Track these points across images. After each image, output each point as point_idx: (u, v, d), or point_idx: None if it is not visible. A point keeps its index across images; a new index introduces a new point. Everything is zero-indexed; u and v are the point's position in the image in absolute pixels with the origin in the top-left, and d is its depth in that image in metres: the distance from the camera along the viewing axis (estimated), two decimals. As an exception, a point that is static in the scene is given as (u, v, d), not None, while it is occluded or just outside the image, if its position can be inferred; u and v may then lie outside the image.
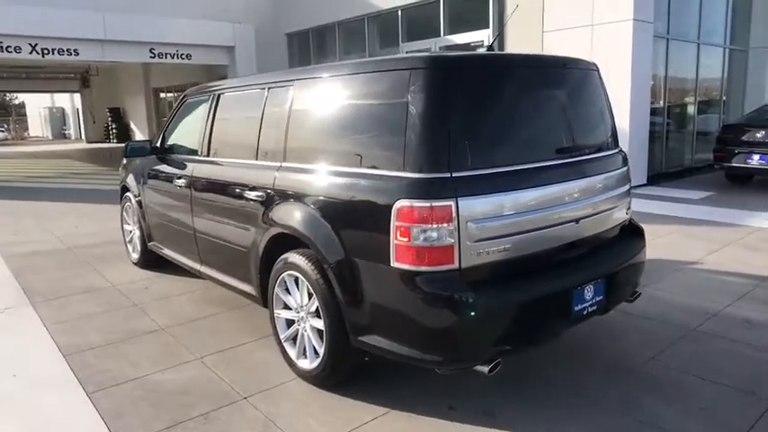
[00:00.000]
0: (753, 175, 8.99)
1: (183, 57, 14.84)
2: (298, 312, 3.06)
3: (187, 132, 4.29)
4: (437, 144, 2.36)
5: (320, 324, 2.86)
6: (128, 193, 5.23)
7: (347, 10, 13.91)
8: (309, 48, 15.90)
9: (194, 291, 4.62)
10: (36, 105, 40.87)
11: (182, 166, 4.15)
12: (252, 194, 3.26)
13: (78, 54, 13.31)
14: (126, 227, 5.47)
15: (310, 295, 2.93)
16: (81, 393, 3.02)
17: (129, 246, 5.48)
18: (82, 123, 31.44)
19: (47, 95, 36.90)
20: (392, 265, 2.41)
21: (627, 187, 3.16)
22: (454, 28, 11.80)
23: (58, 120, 38.23)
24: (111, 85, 28.02)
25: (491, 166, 2.48)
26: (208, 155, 3.87)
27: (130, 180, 5.09)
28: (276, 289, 3.15)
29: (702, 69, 11.13)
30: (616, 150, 3.17)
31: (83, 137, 31.39)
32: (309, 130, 3.02)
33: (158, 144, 4.66)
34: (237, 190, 3.42)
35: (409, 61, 2.49)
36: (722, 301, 4.07)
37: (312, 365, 2.95)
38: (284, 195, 3.02)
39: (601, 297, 2.82)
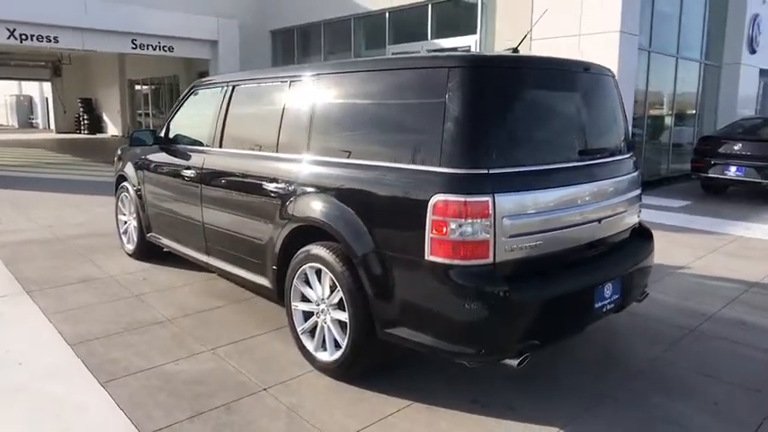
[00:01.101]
0: (728, 185, 9.33)
1: (166, 49, 14.61)
2: (317, 305, 3.07)
3: (196, 123, 4.25)
4: (475, 141, 2.42)
5: (343, 316, 2.88)
6: (125, 183, 5.13)
7: (334, 10, 13.91)
8: (294, 46, 15.83)
9: (194, 282, 4.57)
10: (1, 93, 39.53)
11: (190, 157, 4.11)
12: (271, 186, 3.26)
13: (58, 41, 12.97)
14: (121, 217, 5.37)
15: (332, 288, 2.95)
16: (93, 382, 2.97)
17: (123, 236, 5.38)
18: (51, 113, 30.53)
19: (14, 82, 35.70)
20: (426, 258, 2.45)
21: (639, 191, 3.28)
22: (442, 32, 11.93)
23: (25, 108, 37.01)
24: (84, 74, 27.33)
25: (523, 164, 2.54)
26: (220, 146, 3.85)
27: (129, 170, 5.00)
28: (295, 281, 3.15)
29: (679, 83, 11.52)
30: (630, 155, 3.28)
31: (51, 126, 30.49)
32: (336, 124, 3.04)
33: (162, 134, 4.59)
34: (255, 182, 3.41)
35: (448, 60, 2.54)
36: (715, 303, 4.24)
37: (332, 357, 2.97)
38: (308, 188, 3.03)
39: (618, 296, 2.92)
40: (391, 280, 2.62)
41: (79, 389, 2.91)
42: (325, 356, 3.02)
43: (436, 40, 11.93)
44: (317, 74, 3.21)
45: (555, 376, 3.09)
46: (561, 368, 3.19)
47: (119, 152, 5.56)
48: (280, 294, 3.34)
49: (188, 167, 4.06)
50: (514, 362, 2.46)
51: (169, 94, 21.84)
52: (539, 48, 9.54)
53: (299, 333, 3.18)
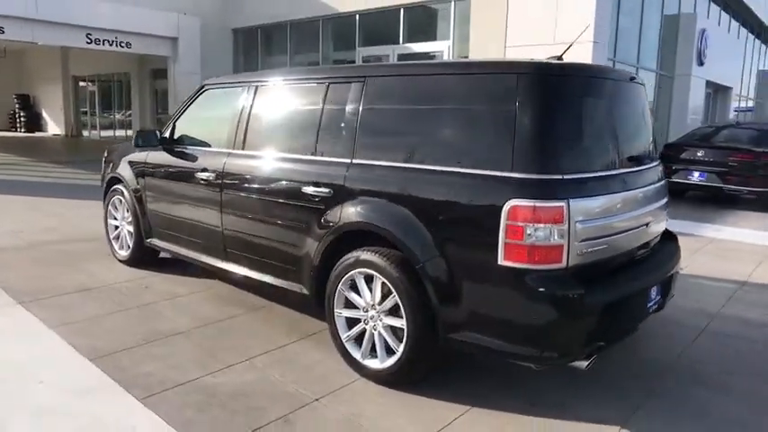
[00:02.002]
0: (687, 189, 9.84)
1: (123, 45, 14.02)
2: (366, 311, 3.02)
3: (211, 124, 4.09)
4: (549, 147, 2.45)
5: (398, 322, 2.84)
6: (118, 186, 4.87)
7: (302, 10, 13.75)
8: (257, 45, 15.55)
9: (199, 290, 4.40)
10: None
11: (206, 159, 3.95)
12: (311, 191, 3.18)
13: (3, 32, 12.20)
14: (112, 222, 5.09)
15: (384, 293, 2.90)
16: (130, 399, 2.80)
17: (113, 242, 5.10)
18: (-19, 109, 28.57)
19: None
20: (500, 263, 2.46)
21: (667, 197, 3.41)
22: (413, 36, 12.02)
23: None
24: (21, 69, 25.77)
25: (588, 169, 2.60)
26: (243, 148, 3.71)
27: (125, 172, 4.75)
28: (340, 287, 3.08)
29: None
30: (659, 162, 3.41)
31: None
32: (390, 127, 2.99)
33: (167, 135, 4.39)
34: (290, 186, 3.32)
35: (518, 65, 2.56)
36: (715, 302, 4.46)
37: (384, 365, 2.92)
38: (359, 192, 2.97)
39: (659, 296, 3.02)
40: (458, 285, 2.61)
41: (119, 407, 2.73)
42: (376, 364, 2.97)
43: (408, 45, 12.01)
44: (359, 76, 3.15)
45: (596, 376, 3.16)
46: (599, 368, 3.26)
47: (107, 153, 5.28)
48: (319, 301, 3.26)
49: (204, 170, 3.90)
50: (583, 363, 2.50)
51: (119, 92, 20.93)
52: (513, 54, 9.77)
53: (344, 341, 3.11)
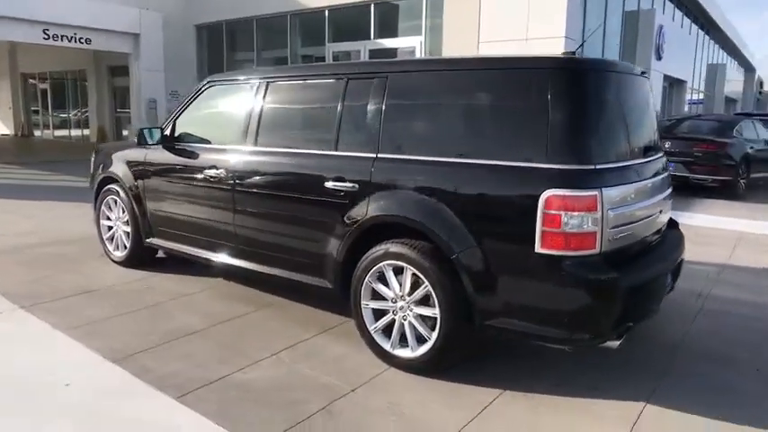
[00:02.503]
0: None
1: (82, 41, 13.55)
2: (394, 302, 3.07)
3: (218, 121, 4.05)
4: (582, 138, 2.56)
5: (430, 312, 2.91)
6: (112, 186, 4.75)
7: (268, 5, 13.61)
8: (222, 42, 15.29)
9: (205, 288, 4.35)
10: None
11: (215, 156, 3.91)
12: (335, 185, 3.20)
13: (-47, 28, 11.61)
14: (105, 223, 4.96)
15: (414, 284, 2.97)
16: (166, 399, 2.77)
17: (107, 244, 4.98)
18: None
19: None
20: (537, 251, 2.56)
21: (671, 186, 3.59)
22: (385, 32, 12.07)
23: None
24: (-36, 66, 24.49)
25: (615, 160, 2.72)
26: (256, 144, 3.69)
27: (121, 171, 4.64)
28: (367, 279, 3.12)
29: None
30: (663, 153, 3.58)
31: None
32: (413, 122, 3.05)
33: (167, 133, 4.31)
34: (311, 181, 3.33)
35: (548, 60, 2.67)
36: (703, 285, 4.72)
37: (416, 354, 2.99)
38: (386, 186, 3.02)
39: (670, 279, 3.20)
40: (494, 273, 2.69)
41: (157, 407, 2.70)
42: (407, 353, 3.03)
43: (379, 40, 12.05)
44: (380, 72, 3.19)
45: (612, 358, 3.30)
46: (612, 351, 3.42)
47: (96, 153, 5.15)
48: (343, 294, 3.29)
49: (213, 167, 3.86)
50: (615, 343, 2.63)
51: (74, 90, 20.17)
52: (486, 49, 9.96)
53: (372, 332, 3.16)
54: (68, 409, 2.66)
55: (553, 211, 2.51)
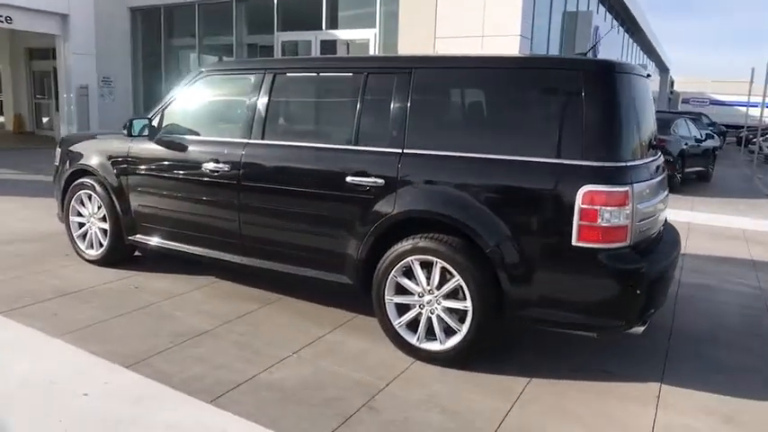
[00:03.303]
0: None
1: (2, 20, 12.45)
2: (421, 296, 3.10)
3: (217, 113, 3.88)
4: (616, 136, 2.70)
5: (460, 305, 2.97)
6: (86, 180, 4.45)
7: (213, -10, 13.09)
8: (160, 26, 14.56)
9: (198, 288, 4.18)
10: None
11: (215, 149, 3.75)
12: (359, 180, 3.17)
13: None
14: (76, 219, 4.64)
15: (443, 278, 3.01)
16: (199, 403, 2.66)
17: (78, 242, 4.66)
18: None
19: None
20: (573, 244, 2.67)
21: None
22: (337, 23, 11.94)
23: None
24: None
25: (638, 158, 2.88)
26: (262, 138, 3.58)
27: (98, 164, 4.35)
28: (392, 274, 3.13)
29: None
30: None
31: None
32: (443, 118, 3.07)
33: (155, 124, 4.09)
34: (330, 176, 3.29)
35: (581, 63, 2.77)
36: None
37: (446, 346, 3.03)
38: (416, 181, 3.04)
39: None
40: (529, 266, 2.78)
41: (193, 412, 2.59)
42: (435, 346, 3.07)
43: (331, 31, 11.92)
44: (404, 67, 3.19)
45: (617, 344, 3.49)
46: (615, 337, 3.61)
47: (62, 145, 4.80)
48: (364, 290, 3.28)
49: (214, 161, 3.70)
50: (640, 329, 2.80)
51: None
52: (443, 46, 10.11)
53: (396, 327, 3.18)
54: (96, 420, 2.49)
55: (590, 206, 2.63)
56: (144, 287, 4.17)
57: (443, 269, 2.99)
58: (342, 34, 11.79)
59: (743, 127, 22.17)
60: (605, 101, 2.70)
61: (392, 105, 3.16)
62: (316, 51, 11.99)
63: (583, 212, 2.64)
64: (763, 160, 17.59)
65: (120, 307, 3.77)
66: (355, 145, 3.26)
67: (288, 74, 3.62)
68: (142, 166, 4.13)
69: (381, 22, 11.22)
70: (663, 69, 37.32)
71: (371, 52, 11.31)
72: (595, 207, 2.63)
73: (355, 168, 3.21)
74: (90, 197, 4.50)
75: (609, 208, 2.63)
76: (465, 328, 2.97)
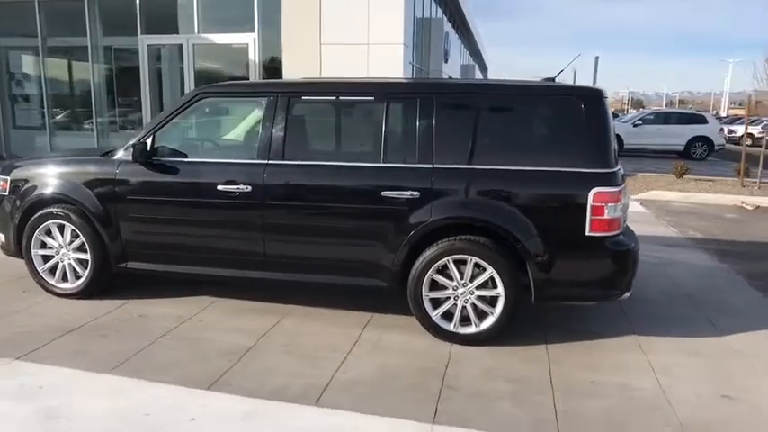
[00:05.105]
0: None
1: None
2: (455, 289, 3.65)
3: (225, 135, 3.95)
4: (611, 147, 3.51)
5: (493, 292, 3.58)
6: (54, 209, 4.17)
7: (59, -14, 11.86)
8: (-12, 23, 12.73)
9: (203, 308, 4.21)
10: None
11: (229, 171, 3.86)
12: (395, 194, 3.59)
13: None
14: (40, 252, 4.30)
15: (475, 272, 3.60)
16: (306, 407, 2.91)
17: (47, 276, 4.33)
18: None
19: None
20: (587, 234, 3.44)
21: None
22: (212, 27, 11.64)
23: None
24: None
25: (618, 164, 3.73)
26: (283, 158, 3.79)
27: (73, 190, 4.11)
28: (430, 272, 3.62)
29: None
30: None
31: None
32: (467, 137, 3.60)
33: (147, 148, 4.00)
34: (364, 191, 3.66)
35: (580, 90, 3.55)
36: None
37: (481, 328, 3.63)
38: (447, 192, 3.56)
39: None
40: (552, 255, 3.48)
41: (308, 416, 2.85)
42: (471, 329, 3.65)
43: (205, 35, 11.58)
44: (424, 92, 3.69)
45: (590, 310, 4.32)
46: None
47: (12, 171, 4.40)
48: (400, 289, 3.72)
49: (230, 182, 3.81)
50: (627, 294, 3.66)
51: None
52: (329, 53, 10.47)
53: (434, 318, 3.68)
54: (230, 437, 2.64)
55: (599, 203, 3.41)
56: (147, 314, 4.09)
57: (476, 264, 3.57)
58: (217, 38, 11.53)
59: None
60: (600, 118, 3.50)
61: (419, 127, 3.64)
62: (189, 56, 11.58)
63: (594, 209, 3.42)
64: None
65: (142, 336, 3.71)
66: (384, 162, 3.68)
67: (303, 97, 3.87)
68: (137, 191, 4.03)
69: (260, 26, 11.23)
70: (484, 69, 41.54)
71: (251, 58, 11.30)
72: (602, 204, 3.41)
73: (390, 183, 3.62)
74: (61, 227, 4.22)
75: (611, 204, 3.43)
76: (498, 310, 3.59)
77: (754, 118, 33.27)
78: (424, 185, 3.59)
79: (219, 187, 3.84)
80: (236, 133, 4.21)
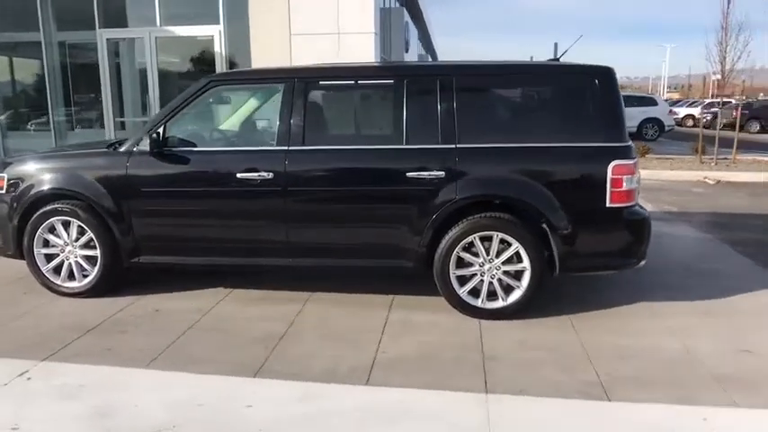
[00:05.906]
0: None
1: None
2: (481, 266, 3.73)
3: (240, 123, 3.88)
4: (623, 122, 3.66)
5: (519, 267, 3.69)
6: (59, 206, 4.00)
7: (6, -22, 11.22)
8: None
9: (219, 300, 4.16)
10: None
11: (248, 158, 3.81)
12: (420, 174, 3.63)
13: None
14: (43, 251, 4.12)
15: (501, 248, 3.69)
16: (359, 387, 2.94)
17: (51, 275, 4.16)
18: None
19: None
20: (608, 206, 3.58)
21: None
22: (174, 19, 11.29)
23: None
24: None
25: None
26: (303, 144, 3.76)
27: (81, 185, 3.95)
28: (456, 251, 3.69)
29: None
30: None
31: None
32: (490, 117, 3.69)
33: (159, 138, 3.89)
34: (389, 173, 3.70)
35: (594, 68, 3.67)
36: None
37: (508, 302, 3.73)
38: (472, 171, 3.63)
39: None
40: (575, 227, 3.61)
41: (362, 396, 2.88)
42: (498, 304, 3.75)
43: (168, 27, 11.23)
44: (444, 74, 3.74)
45: (611, 279, 4.51)
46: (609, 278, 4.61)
47: (9, 168, 4.19)
48: (427, 268, 3.78)
49: (251, 170, 3.75)
50: (643, 262, 3.83)
51: None
52: (300, 43, 10.36)
53: (461, 295, 3.76)
54: (288, 421, 2.62)
55: (618, 176, 3.56)
56: (164, 309, 4.00)
57: (501, 240, 3.67)
58: (180, 31, 11.19)
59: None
60: (613, 93, 3.64)
61: (442, 107, 3.68)
62: (151, 49, 11.21)
63: (613, 181, 3.56)
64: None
65: (168, 330, 3.64)
66: (407, 144, 3.72)
67: (320, 82, 3.86)
68: (151, 183, 3.92)
69: (225, 16, 10.98)
70: (434, 57, 41.94)
71: (216, 50, 11.06)
72: (620, 176, 3.56)
73: (415, 164, 3.66)
74: (68, 224, 4.06)
75: (628, 176, 3.59)
76: (524, 283, 3.70)
77: (693, 100, 35.17)
78: (449, 165, 3.65)
79: (239, 175, 3.79)
80: (250, 121, 4.13)
